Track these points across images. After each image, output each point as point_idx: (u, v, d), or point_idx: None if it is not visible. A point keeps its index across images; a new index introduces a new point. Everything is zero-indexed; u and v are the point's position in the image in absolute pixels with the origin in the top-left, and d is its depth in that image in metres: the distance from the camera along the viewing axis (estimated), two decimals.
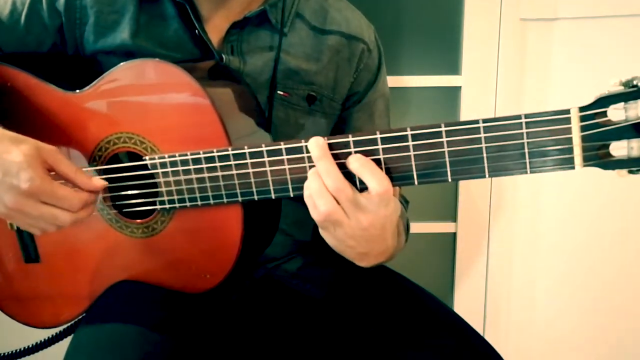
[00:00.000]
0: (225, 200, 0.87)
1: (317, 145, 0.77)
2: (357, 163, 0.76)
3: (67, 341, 1.00)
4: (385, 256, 0.88)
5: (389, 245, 0.86)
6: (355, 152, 0.77)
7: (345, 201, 0.77)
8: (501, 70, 1.48)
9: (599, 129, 0.68)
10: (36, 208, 0.83)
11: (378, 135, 0.75)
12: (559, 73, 1.49)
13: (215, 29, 1.01)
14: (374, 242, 0.82)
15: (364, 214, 0.78)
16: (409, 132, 0.74)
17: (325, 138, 0.78)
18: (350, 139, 0.77)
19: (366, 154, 0.76)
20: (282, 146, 0.81)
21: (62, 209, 0.85)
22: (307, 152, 0.79)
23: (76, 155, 0.95)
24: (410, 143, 0.75)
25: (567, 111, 0.69)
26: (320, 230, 0.83)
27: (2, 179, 0.82)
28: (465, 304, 1.67)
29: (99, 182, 0.89)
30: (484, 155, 0.72)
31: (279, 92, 1.03)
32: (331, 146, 0.78)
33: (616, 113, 0.67)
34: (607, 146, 0.68)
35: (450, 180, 0.75)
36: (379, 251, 0.86)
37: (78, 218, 0.87)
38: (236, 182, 0.85)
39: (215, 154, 0.85)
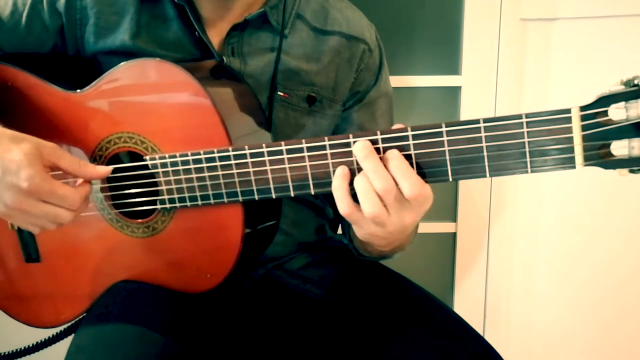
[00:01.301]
0: (225, 199, 0.87)
1: (363, 146, 0.76)
2: (393, 162, 0.75)
3: (67, 341, 1.00)
4: (399, 244, 0.92)
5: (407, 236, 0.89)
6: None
7: (393, 201, 0.76)
8: (501, 70, 1.48)
9: (600, 128, 0.68)
10: (36, 207, 0.83)
11: (379, 136, 0.76)
12: (559, 73, 1.49)
13: (216, 31, 1.02)
14: (402, 234, 0.83)
15: (409, 212, 0.77)
16: (409, 132, 0.75)
17: (326, 138, 0.78)
18: (351, 139, 0.77)
19: None
20: (283, 147, 0.81)
21: (62, 208, 0.85)
22: (307, 151, 0.80)
23: (77, 155, 0.95)
24: (411, 142, 0.75)
25: (568, 110, 0.69)
26: (354, 226, 0.83)
27: (2, 177, 0.82)
28: (465, 304, 1.67)
29: (104, 169, 0.90)
30: (485, 154, 0.73)
31: (279, 92, 1.03)
32: (331, 146, 0.78)
33: (617, 112, 0.67)
34: (608, 145, 0.68)
35: (451, 179, 0.75)
36: (398, 244, 0.90)
37: (77, 213, 0.88)
38: (237, 181, 0.85)
39: (216, 154, 0.85)
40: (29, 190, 0.82)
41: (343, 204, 0.78)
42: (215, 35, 1.02)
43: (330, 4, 1.08)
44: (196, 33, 1.00)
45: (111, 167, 0.91)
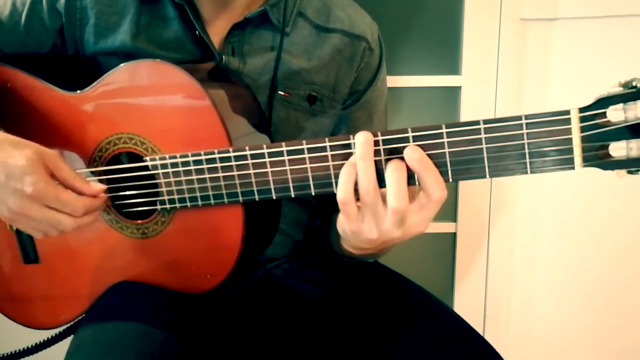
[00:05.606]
0: (226, 200, 0.87)
1: (364, 143, 0.76)
2: (421, 165, 0.75)
3: (67, 342, 1.00)
4: (373, 253, 0.91)
5: (380, 249, 0.88)
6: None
7: (369, 206, 0.76)
8: (501, 70, 1.48)
9: (599, 129, 0.68)
10: (40, 212, 0.83)
11: (380, 137, 0.76)
12: (559, 73, 1.49)
13: (216, 30, 1.01)
14: (371, 245, 0.83)
15: (377, 227, 0.78)
16: (410, 134, 0.75)
17: (327, 139, 0.78)
18: (352, 140, 0.77)
19: None
20: (284, 147, 0.81)
21: (65, 214, 0.84)
22: (308, 153, 0.80)
23: (76, 156, 0.95)
24: (412, 144, 0.75)
25: (567, 112, 0.69)
26: (340, 218, 0.83)
27: (5, 183, 0.82)
28: (465, 304, 1.67)
29: (97, 186, 0.88)
30: (485, 155, 0.73)
31: (279, 92, 1.03)
32: (331, 147, 0.78)
33: (615, 114, 0.67)
34: (607, 147, 0.69)
35: (450, 180, 0.75)
36: (372, 252, 0.89)
37: (81, 223, 0.87)
38: (237, 182, 0.85)
39: (217, 155, 0.85)
40: (32, 195, 0.82)
41: (344, 189, 0.77)
42: (216, 35, 1.02)
43: (333, 2, 1.08)
44: (196, 32, 0.99)
45: (105, 186, 0.90)
